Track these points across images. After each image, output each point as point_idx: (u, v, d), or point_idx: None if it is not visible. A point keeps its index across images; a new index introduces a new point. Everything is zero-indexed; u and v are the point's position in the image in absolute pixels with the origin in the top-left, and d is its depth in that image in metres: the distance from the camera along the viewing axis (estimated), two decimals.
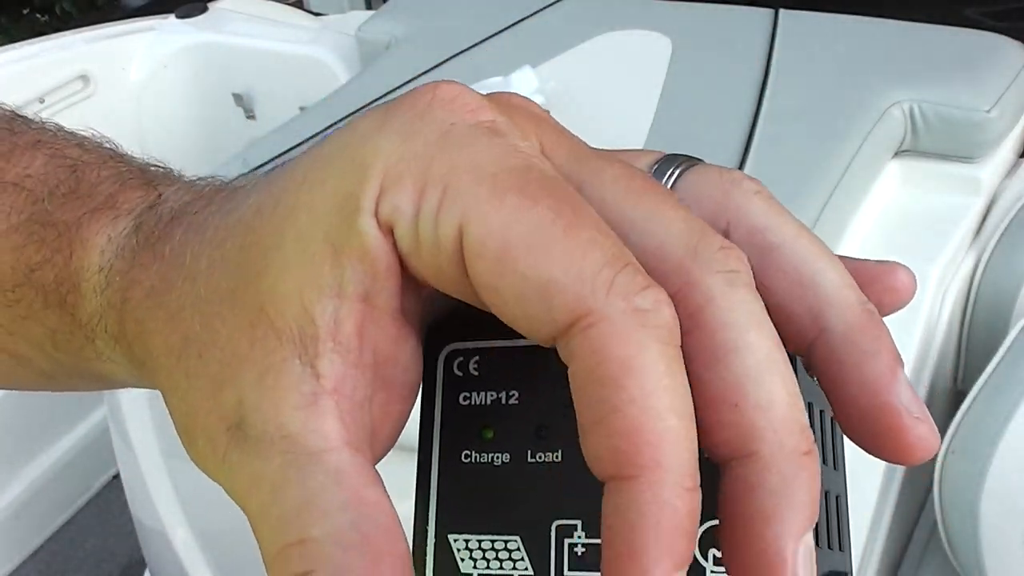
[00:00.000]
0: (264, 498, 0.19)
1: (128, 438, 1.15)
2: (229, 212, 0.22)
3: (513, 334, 0.24)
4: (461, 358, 0.25)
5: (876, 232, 1.13)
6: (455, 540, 0.24)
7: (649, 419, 0.17)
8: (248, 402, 0.19)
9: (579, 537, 0.23)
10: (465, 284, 0.19)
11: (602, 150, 0.22)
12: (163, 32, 1.80)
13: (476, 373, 0.25)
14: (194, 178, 0.27)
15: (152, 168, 0.28)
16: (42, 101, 1.59)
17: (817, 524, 0.22)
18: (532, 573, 0.23)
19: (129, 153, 0.28)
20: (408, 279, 0.20)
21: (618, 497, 0.18)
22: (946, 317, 1.10)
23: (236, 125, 1.81)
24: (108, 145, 0.28)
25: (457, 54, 1.37)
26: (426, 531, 0.24)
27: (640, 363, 0.17)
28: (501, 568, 0.24)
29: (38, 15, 3.75)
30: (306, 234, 0.20)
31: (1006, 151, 1.22)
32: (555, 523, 0.23)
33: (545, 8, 1.49)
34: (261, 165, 1.14)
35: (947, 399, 1.18)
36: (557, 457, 0.24)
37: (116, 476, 1.93)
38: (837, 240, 1.03)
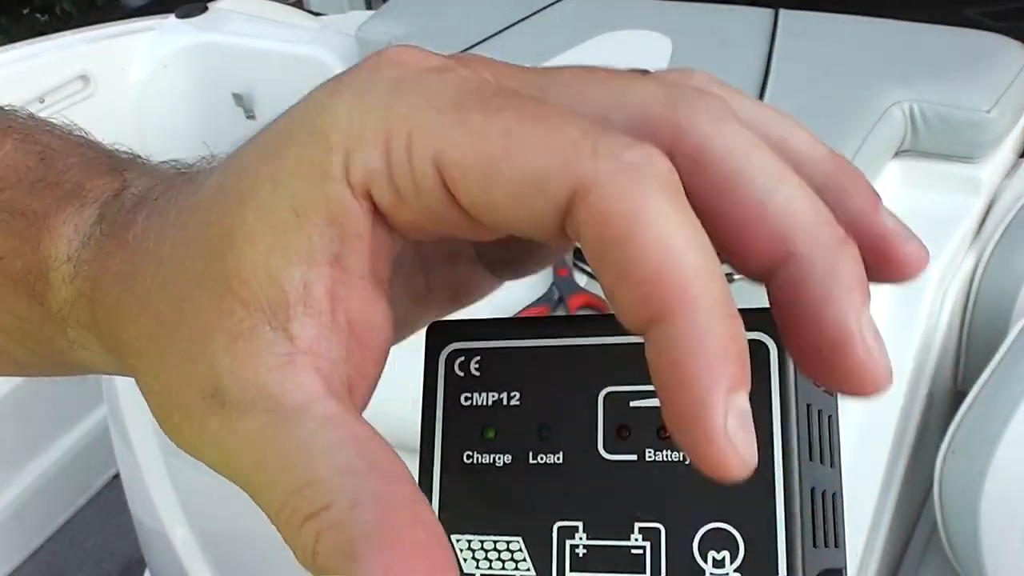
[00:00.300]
0: (256, 455, 0.19)
1: (128, 438, 1.15)
2: (191, 194, 0.22)
3: (514, 336, 0.25)
4: (462, 358, 0.25)
5: None
6: (458, 540, 0.24)
7: (669, 259, 0.17)
8: (221, 368, 0.20)
9: (580, 539, 0.23)
10: (459, 216, 0.19)
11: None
12: (163, 32, 1.80)
13: (477, 373, 0.25)
14: (157, 163, 0.27)
15: (119, 154, 0.28)
16: (42, 101, 1.59)
17: (813, 521, 0.23)
18: (534, 574, 0.23)
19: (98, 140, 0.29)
20: (378, 240, 0.20)
21: (658, 341, 0.18)
22: (946, 317, 1.10)
23: (236, 125, 1.80)
24: (78, 132, 0.29)
25: (457, 54, 1.37)
26: None
27: (645, 212, 0.18)
28: (504, 569, 0.24)
29: (38, 15, 3.75)
30: (269, 206, 0.20)
31: (1006, 151, 1.22)
32: (557, 524, 0.24)
33: (545, 8, 1.49)
34: None
35: (947, 399, 1.18)
36: (559, 459, 0.24)
37: (116, 476, 1.93)
38: None
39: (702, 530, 0.23)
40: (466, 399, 0.25)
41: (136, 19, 1.84)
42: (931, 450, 1.00)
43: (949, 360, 1.17)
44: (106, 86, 1.72)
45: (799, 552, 0.22)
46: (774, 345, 0.23)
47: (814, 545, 0.23)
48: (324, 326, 0.20)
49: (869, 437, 1.00)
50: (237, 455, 0.19)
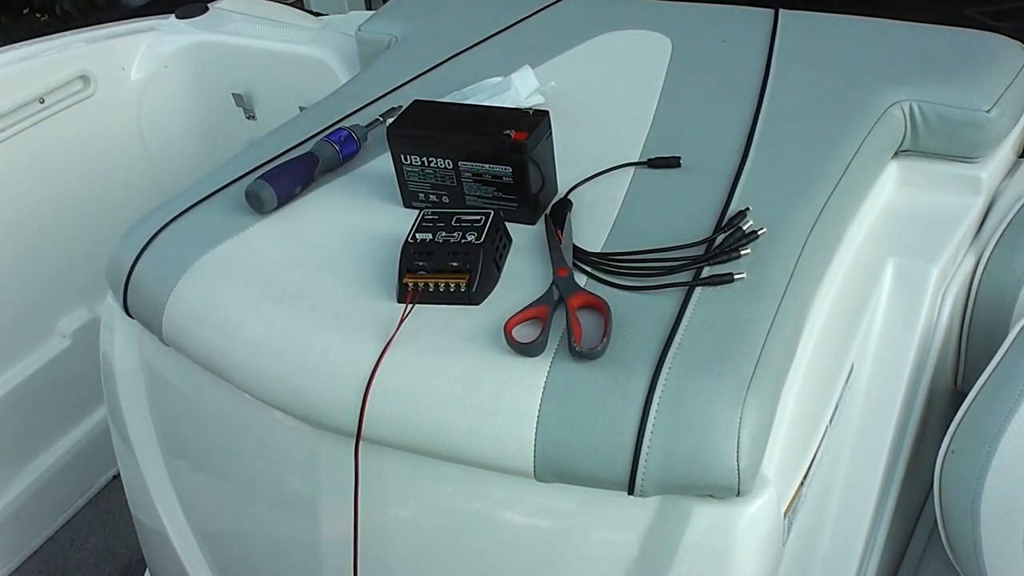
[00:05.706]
0: None
1: (128, 438, 1.15)
2: None
3: None
4: None
5: (876, 232, 1.13)
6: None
7: None
8: None
9: None
10: None
11: None
12: (163, 32, 1.80)
13: None
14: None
15: None
16: (42, 101, 1.59)
17: None
18: None
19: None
20: None
21: None
22: (946, 317, 1.10)
23: (236, 125, 1.81)
24: None
25: (457, 54, 1.37)
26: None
27: None
28: None
29: (38, 15, 3.75)
30: None
31: (1006, 151, 1.22)
32: None
33: (545, 8, 1.49)
34: (260, 165, 1.14)
35: (947, 399, 1.18)
36: None
37: (116, 476, 1.93)
38: (837, 240, 1.03)
39: None
40: None
41: (136, 19, 1.84)
42: (931, 450, 1.00)
43: (949, 360, 1.17)
44: (106, 86, 1.72)
45: None
46: None
47: None
48: None
49: (869, 437, 1.00)
50: None
